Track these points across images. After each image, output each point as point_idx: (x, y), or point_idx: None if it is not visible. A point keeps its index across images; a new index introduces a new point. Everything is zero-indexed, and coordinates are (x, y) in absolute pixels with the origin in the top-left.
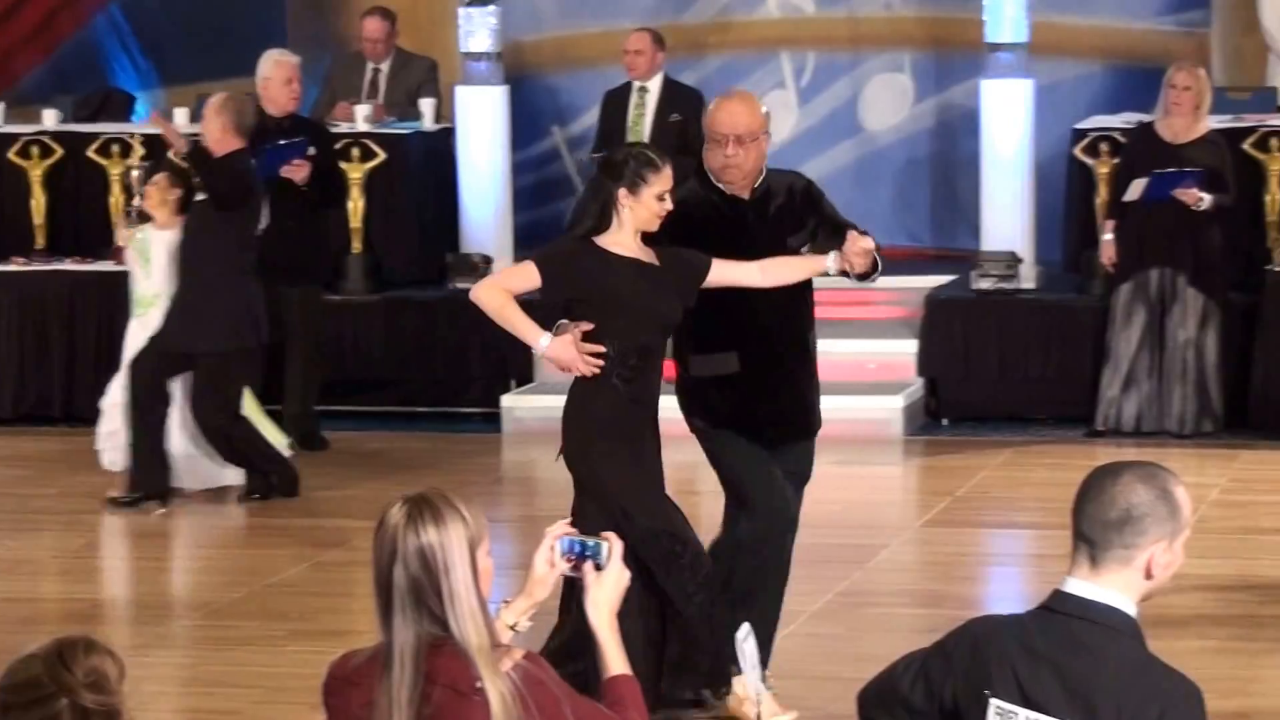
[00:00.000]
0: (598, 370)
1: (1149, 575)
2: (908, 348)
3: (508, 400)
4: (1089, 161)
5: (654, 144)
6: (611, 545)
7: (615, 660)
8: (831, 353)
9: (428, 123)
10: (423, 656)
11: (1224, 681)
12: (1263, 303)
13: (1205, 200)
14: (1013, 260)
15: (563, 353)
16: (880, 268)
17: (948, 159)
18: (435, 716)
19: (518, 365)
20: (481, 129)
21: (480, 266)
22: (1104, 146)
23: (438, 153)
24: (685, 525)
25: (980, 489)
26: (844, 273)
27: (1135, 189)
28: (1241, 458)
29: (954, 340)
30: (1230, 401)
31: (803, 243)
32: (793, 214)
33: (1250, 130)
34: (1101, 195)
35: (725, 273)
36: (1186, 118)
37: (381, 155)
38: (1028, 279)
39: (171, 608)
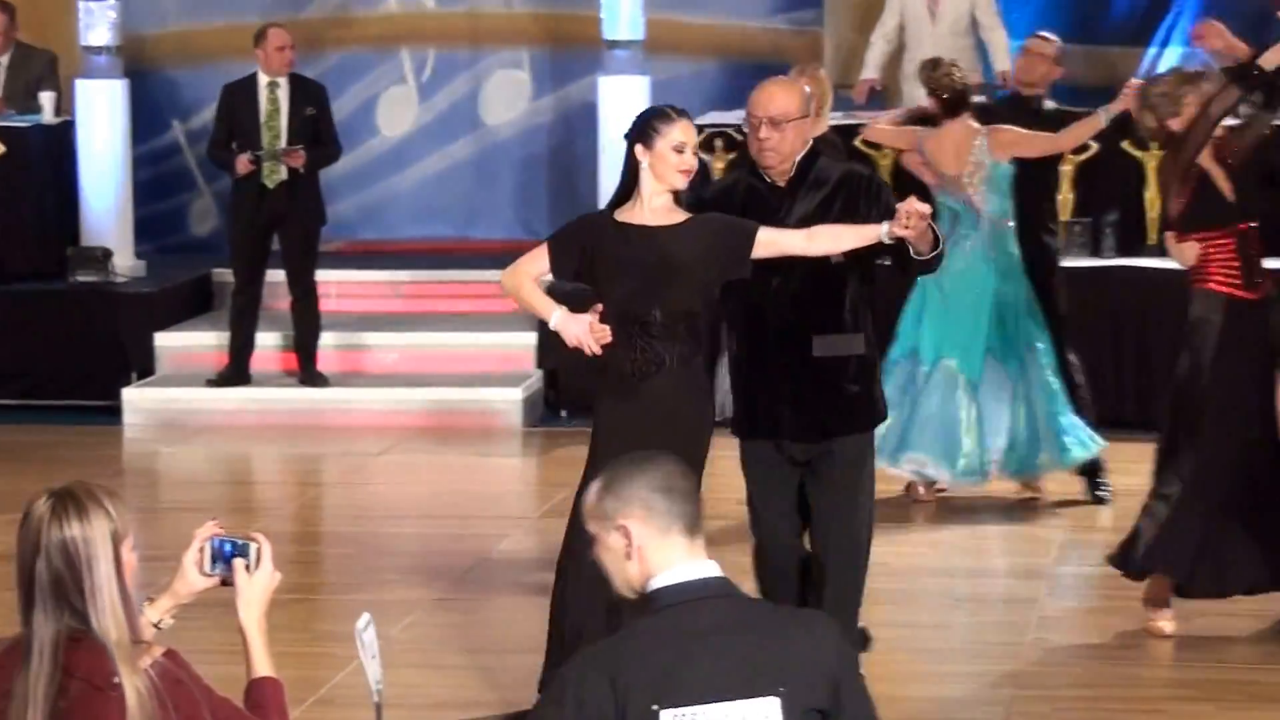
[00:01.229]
0: (600, 352)
1: None
2: (527, 340)
3: (129, 393)
4: (705, 157)
5: (292, 136)
6: (261, 546)
7: (261, 662)
8: (449, 345)
9: (47, 116)
10: (61, 650)
11: None
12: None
13: None
14: None
15: (569, 328)
16: (943, 247)
17: (566, 153)
18: (71, 710)
19: (139, 358)
20: (101, 122)
21: (100, 260)
22: (719, 142)
23: (58, 146)
24: None
25: None
26: (900, 245)
27: None
28: None
29: None
30: None
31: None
32: (838, 203)
33: (862, 126)
34: None
35: (772, 239)
36: None
37: (0, 148)
38: None
39: None
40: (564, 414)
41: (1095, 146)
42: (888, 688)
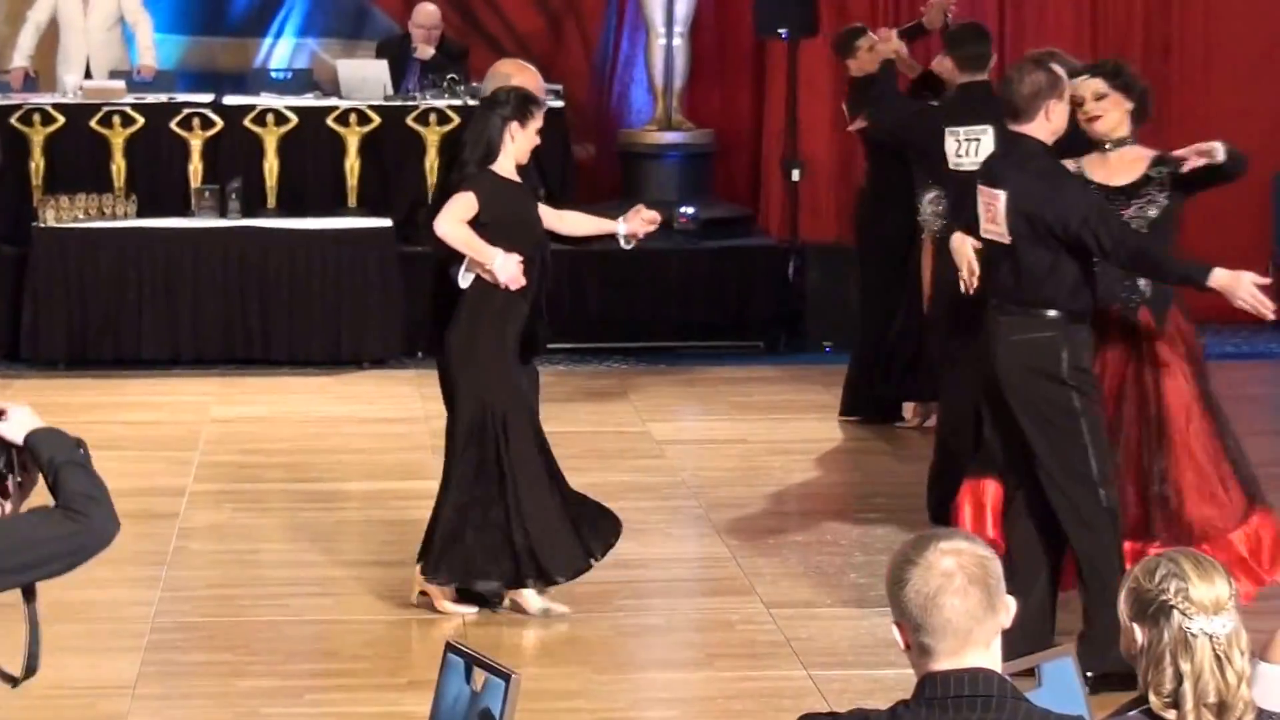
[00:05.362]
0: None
1: None
2: None
3: None
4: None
5: None
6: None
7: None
8: None
9: None
10: None
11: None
12: (31, 254)
13: None
14: None
15: (509, 267)
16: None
17: None
18: None
19: None
20: None
21: None
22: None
23: None
24: (528, 422)
25: None
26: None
27: None
28: (14, 385)
29: None
30: (6, 338)
31: (539, 198)
32: (533, 174)
33: (16, 107)
34: None
35: (544, 213)
36: None
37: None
38: None
39: None
40: None
41: (220, 124)
42: None
